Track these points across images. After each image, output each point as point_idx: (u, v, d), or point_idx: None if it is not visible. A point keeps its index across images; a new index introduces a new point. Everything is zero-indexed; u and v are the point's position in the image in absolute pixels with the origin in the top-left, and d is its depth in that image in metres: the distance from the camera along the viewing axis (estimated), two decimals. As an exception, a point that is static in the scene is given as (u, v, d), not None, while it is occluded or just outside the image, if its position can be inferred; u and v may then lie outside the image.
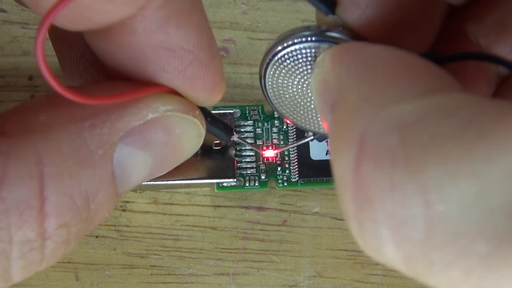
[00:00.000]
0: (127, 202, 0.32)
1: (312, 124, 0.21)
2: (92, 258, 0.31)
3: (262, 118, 0.32)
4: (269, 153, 0.31)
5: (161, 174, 0.19)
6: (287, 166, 0.31)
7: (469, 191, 0.11)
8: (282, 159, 0.31)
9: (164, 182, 0.30)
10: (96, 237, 0.31)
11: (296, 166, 0.31)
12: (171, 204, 0.32)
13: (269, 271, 0.31)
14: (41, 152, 0.15)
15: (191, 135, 0.19)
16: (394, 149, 0.12)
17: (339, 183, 0.13)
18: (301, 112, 0.21)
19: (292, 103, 0.20)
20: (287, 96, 0.20)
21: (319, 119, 0.21)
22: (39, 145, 0.15)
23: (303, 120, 0.21)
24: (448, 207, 0.11)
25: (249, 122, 0.32)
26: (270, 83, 0.20)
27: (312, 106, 0.20)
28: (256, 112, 0.32)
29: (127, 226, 0.31)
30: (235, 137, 0.25)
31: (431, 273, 0.12)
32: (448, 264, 0.11)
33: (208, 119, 0.20)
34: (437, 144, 0.11)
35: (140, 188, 0.31)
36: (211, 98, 0.19)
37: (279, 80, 0.19)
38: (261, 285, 0.31)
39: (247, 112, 0.32)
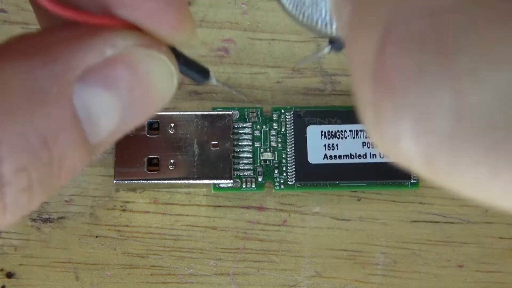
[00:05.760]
0: (127, 202, 0.32)
1: (320, 20, 0.19)
2: (92, 258, 0.31)
3: (260, 121, 0.32)
4: (267, 155, 0.31)
5: (139, 121, 0.17)
6: (284, 169, 0.31)
7: (509, 81, 0.10)
8: (280, 162, 0.31)
9: (160, 182, 0.30)
10: (96, 237, 0.31)
11: (293, 169, 0.31)
12: (171, 204, 0.32)
13: (269, 271, 0.31)
14: None
15: (160, 73, 0.17)
16: (425, 33, 0.10)
17: (357, 70, 0.12)
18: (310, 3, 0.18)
19: None
20: None
21: (328, 14, 0.18)
22: None
23: (309, 13, 0.18)
24: (483, 98, 0.10)
25: (248, 124, 0.32)
26: None
27: None
28: (254, 114, 0.32)
29: (127, 226, 0.31)
30: (213, 80, 0.22)
31: (454, 171, 0.11)
32: (475, 162, 0.10)
33: (181, 59, 0.19)
34: (474, 30, 0.10)
35: (140, 188, 0.32)
36: (177, 35, 0.17)
37: None
38: (261, 285, 0.31)
39: (245, 114, 0.32)
